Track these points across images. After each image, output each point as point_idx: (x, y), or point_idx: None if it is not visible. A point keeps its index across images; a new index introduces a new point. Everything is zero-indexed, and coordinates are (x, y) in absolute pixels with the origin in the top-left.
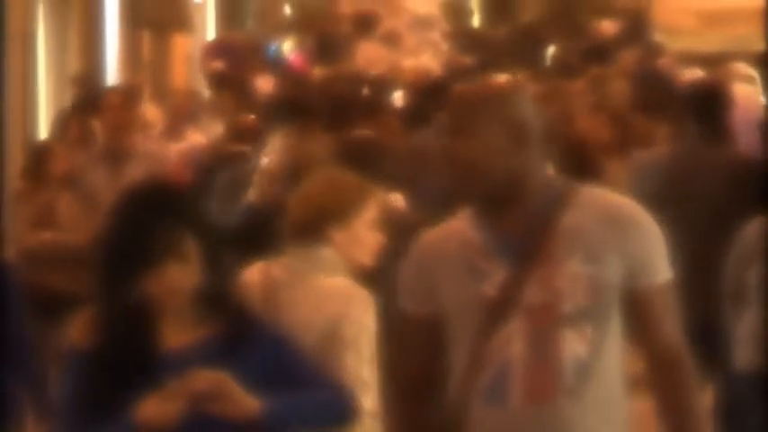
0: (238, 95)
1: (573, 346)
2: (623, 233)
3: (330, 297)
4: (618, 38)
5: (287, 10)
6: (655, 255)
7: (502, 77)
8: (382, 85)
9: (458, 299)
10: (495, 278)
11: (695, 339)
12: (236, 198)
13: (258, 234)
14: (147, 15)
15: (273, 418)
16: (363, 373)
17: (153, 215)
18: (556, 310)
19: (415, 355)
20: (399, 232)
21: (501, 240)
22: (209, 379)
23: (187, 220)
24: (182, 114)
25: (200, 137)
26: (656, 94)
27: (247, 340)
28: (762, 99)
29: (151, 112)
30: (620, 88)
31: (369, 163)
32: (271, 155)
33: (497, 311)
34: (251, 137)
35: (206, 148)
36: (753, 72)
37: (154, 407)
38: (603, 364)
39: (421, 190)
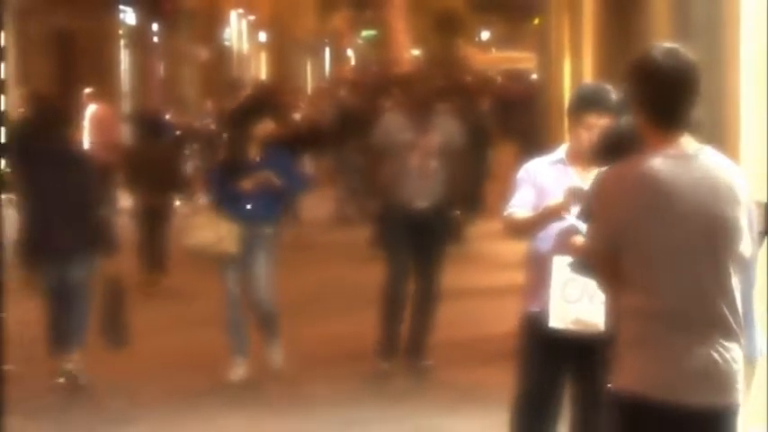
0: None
1: (434, 162)
2: (447, 128)
3: None
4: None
5: None
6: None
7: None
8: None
9: (397, 139)
10: (408, 135)
11: None
12: None
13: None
14: None
15: (288, 187)
16: None
17: (252, 111)
18: (429, 149)
19: (377, 156)
20: None
21: (411, 122)
22: (268, 174)
23: (269, 112)
24: None
25: None
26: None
27: (279, 158)
28: None
29: None
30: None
31: None
32: None
33: (408, 146)
34: None
35: None
36: None
37: (246, 182)
38: (440, 167)
39: None
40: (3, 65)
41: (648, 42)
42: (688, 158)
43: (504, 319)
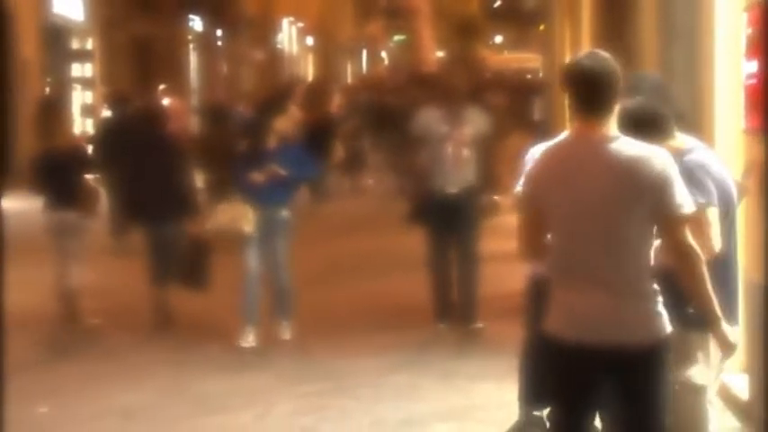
0: None
1: (465, 151)
2: (477, 121)
3: None
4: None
5: None
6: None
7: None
8: None
9: (433, 131)
10: (444, 128)
11: None
12: None
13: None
14: None
15: (298, 175)
16: None
17: (273, 105)
18: (461, 140)
19: (413, 145)
20: None
21: (447, 116)
22: (274, 168)
23: (289, 107)
24: None
25: None
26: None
27: (291, 149)
28: None
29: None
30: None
31: None
32: None
33: (443, 138)
34: None
35: None
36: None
37: (257, 174)
38: (471, 155)
39: None
40: (91, 66)
41: (638, 44)
42: (600, 142)
43: (514, 280)
